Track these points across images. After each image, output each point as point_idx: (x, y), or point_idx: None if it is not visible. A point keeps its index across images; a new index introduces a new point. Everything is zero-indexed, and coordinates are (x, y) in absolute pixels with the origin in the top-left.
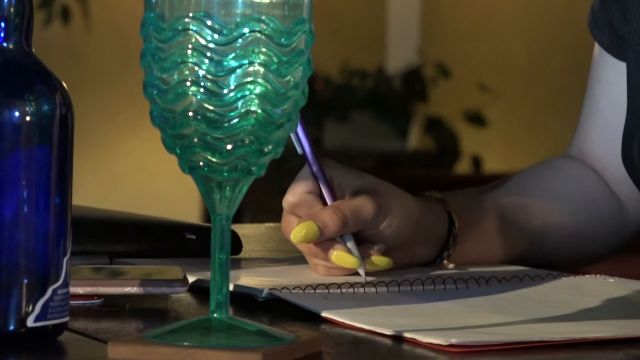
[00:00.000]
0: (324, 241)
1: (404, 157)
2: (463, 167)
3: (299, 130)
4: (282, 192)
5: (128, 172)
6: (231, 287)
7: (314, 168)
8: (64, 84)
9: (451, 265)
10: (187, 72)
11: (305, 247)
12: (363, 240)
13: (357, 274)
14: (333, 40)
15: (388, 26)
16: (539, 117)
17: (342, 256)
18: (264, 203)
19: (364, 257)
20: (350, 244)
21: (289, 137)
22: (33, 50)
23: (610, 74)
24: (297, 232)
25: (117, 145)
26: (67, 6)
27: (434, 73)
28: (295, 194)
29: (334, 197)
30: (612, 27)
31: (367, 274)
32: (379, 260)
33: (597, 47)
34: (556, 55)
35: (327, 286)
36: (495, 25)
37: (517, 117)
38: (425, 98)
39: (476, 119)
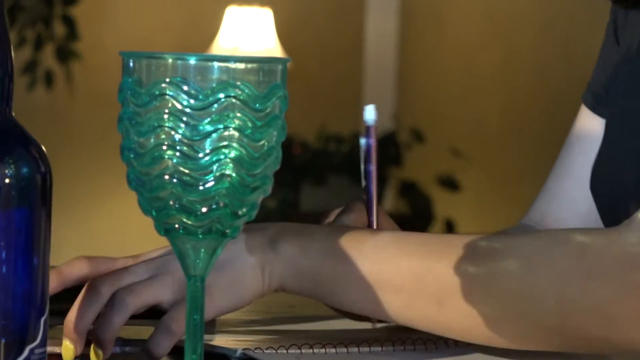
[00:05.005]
0: None
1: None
2: (436, 230)
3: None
4: None
5: (109, 233)
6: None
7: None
8: (44, 148)
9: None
10: (163, 136)
11: None
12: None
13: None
14: (310, 105)
15: (364, 92)
16: (512, 181)
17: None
18: None
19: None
20: None
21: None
22: (13, 114)
23: (591, 134)
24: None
25: (99, 206)
26: (50, 71)
27: (408, 138)
28: None
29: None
30: (602, 85)
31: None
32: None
33: (580, 111)
34: (529, 122)
35: (299, 346)
36: (469, 92)
37: (490, 181)
38: (400, 163)
39: (449, 184)
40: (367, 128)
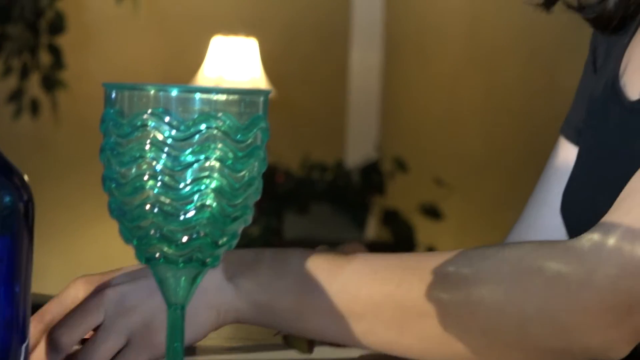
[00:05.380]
0: None
1: None
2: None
3: None
4: None
5: (92, 260)
6: None
7: None
8: (27, 177)
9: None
10: (144, 167)
11: None
12: None
13: None
14: (294, 134)
15: (348, 122)
16: (495, 210)
17: None
18: None
19: None
20: None
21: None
22: None
23: (569, 164)
24: None
25: (82, 233)
26: (36, 100)
27: (391, 167)
28: None
29: None
30: (581, 116)
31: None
32: None
33: (558, 142)
34: (511, 152)
35: None
36: (452, 123)
37: (473, 209)
38: (383, 191)
39: (432, 212)
40: None
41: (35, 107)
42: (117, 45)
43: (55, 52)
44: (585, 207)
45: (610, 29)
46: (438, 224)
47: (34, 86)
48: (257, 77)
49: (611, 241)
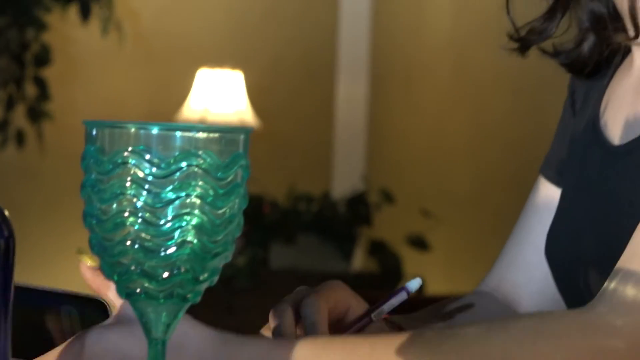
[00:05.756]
0: None
1: (348, 279)
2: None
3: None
4: (230, 310)
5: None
6: None
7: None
8: (7, 212)
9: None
10: (125, 203)
11: None
12: None
13: None
14: (280, 165)
15: (334, 153)
16: (482, 241)
17: None
18: (211, 321)
19: None
20: None
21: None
22: None
23: (550, 204)
24: None
25: (69, 264)
26: (22, 131)
27: (378, 199)
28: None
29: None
30: (560, 157)
31: None
32: None
33: (538, 181)
34: (498, 183)
35: None
36: (439, 154)
37: (460, 241)
38: (370, 222)
39: (419, 243)
40: (406, 291)
41: (20, 138)
42: (103, 78)
43: (41, 84)
44: (569, 249)
45: (586, 74)
46: (425, 255)
47: (19, 117)
48: (243, 109)
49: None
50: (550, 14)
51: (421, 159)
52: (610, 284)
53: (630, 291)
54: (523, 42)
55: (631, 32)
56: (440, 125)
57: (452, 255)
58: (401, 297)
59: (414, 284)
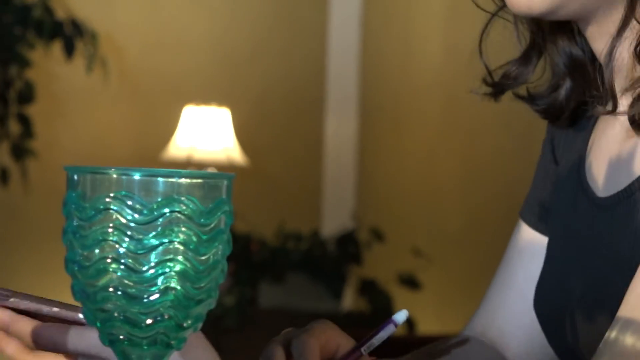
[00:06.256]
0: None
1: (338, 318)
2: (397, 330)
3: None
4: (218, 351)
5: None
6: None
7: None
8: None
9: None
10: (108, 250)
11: None
12: None
13: None
14: (269, 203)
15: (323, 191)
16: (473, 280)
17: None
18: None
19: None
20: None
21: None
22: None
23: (532, 248)
24: None
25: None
26: (6, 168)
27: (368, 237)
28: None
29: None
30: (541, 202)
31: None
32: None
33: (519, 225)
34: (490, 221)
35: None
36: (430, 192)
37: (451, 280)
38: (360, 261)
39: (410, 282)
40: (393, 323)
41: (4, 176)
42: (87, 115)
43: (25, 121)
44: (557, 300)
45: (562, 121)
46: (416, 294)
47: (3, 155)
48: (231, 147)
49: None
50: (525, 58)
51: (411, 196)
52: (611, 334)
53: (629, 340)
54: (497, 87)
55: (610, 105)
56: (430, 162)
57: (443, 295)
58: (390, 329)
59: (401, 316)
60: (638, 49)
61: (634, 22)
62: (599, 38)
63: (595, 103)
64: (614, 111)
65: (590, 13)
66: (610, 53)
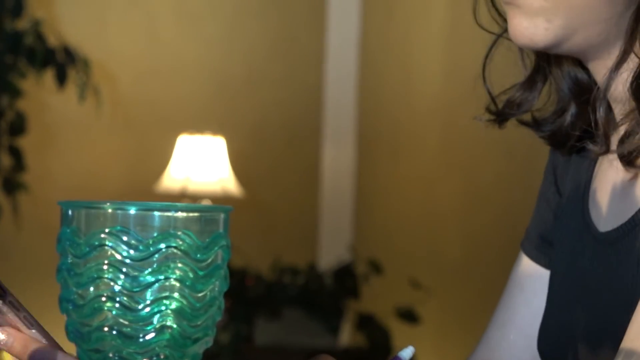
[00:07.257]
0: None
1: (336, 354)
2: None
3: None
4: None
5: None
6: None
7: None
8: None
9: None
10: (103, 287)
11: None
12: None
13: None
14: (264, 236)
15: (320, 223)
16: (473, 313)
17: None
18: None
19: None
20: None
21: None
22: None
23: (534, 283)
24: None
25: None
26: None
27: (365, 270)
28: None
29: None
30: (542, 234)
31: None
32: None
33: (520, 258)
34: (490, 253)
35: None
36: (428, 224)
37: (450, 312)
38: (357, 295)
39: (408, 316)
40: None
41: None
42: (80, 146)
43: (16, 153)
44: (562, 339)
45: (568, 148)
46: (415, 328)
47: None
48: (226, 177)
49: None
50: (530, 83)
51: (410, 227)
52: None
53: None
54: (501, 115)
55: (602, 147)
56: (429, 192)
57: (443, 328)
58: None
59: (407, 353)
60: (634, 84)
61: (632, 56)
62: (601, 72)
63: (589, 142)
64: (606, 152)
65: (592, 47)
66: (606, 87)
